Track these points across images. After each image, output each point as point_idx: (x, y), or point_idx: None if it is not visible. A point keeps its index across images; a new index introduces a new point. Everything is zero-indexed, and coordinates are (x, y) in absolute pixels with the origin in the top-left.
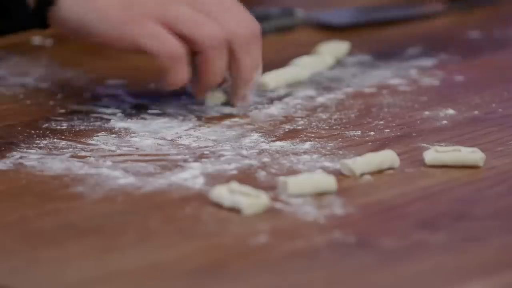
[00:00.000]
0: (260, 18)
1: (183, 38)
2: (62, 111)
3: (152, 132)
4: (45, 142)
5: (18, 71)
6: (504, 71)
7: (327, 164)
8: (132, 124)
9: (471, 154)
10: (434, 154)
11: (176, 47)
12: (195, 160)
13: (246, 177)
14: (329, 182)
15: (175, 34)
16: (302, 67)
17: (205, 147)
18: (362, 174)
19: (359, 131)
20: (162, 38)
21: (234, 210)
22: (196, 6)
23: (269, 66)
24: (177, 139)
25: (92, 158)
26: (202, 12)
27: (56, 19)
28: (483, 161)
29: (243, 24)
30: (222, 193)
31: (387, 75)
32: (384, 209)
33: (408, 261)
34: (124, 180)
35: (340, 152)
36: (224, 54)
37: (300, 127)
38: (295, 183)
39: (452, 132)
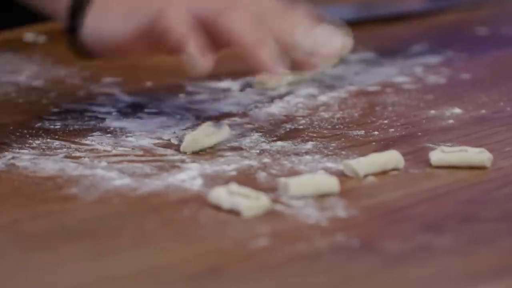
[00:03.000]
0: None
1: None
2: (56, 110)
3: (148, 132)
4: (38, 142)
5: (10, 69)
6: None
7: (330, 164)
8: (128, 123)
9: (478, 155)
10: (440, 154)
11: (186, 24)
12: (193, 161)
13: (245, 178)
14: (332, 184)
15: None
16: None
17: (203, 147)
18: (366, 175)
19: (363, 131)
20: (180, 20)
21: (233, 212)
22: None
23: None
24: (174, 139)
25: (86, 159)
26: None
27: (82, 35)
28: (491, 161)
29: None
30: (221, 195)
31: (391, 72)
32: (388, 211)
33: (413, 264)
34: (120, 181)
35: (343, 152)
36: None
37: (301, 127)
38: (296, 185)
39: (458, 131)
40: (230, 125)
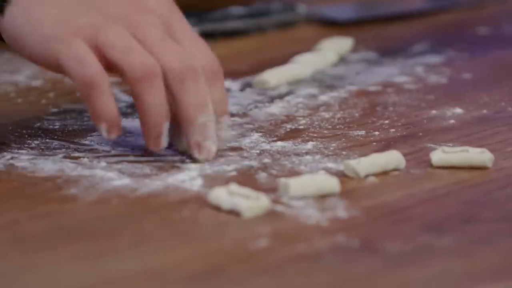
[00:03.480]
0: (261, 14)
1: (113, 65)
2: (55, 110)
3: None
4: (37, 142)
5: (9, 69)
6: None
7: (330, 165)
8: (127, 123)
9: (479, 155)
10: (441, 154)
11: (96, 74)
12: (193, 161)
13: (246, 178)
14: (332, 184)
15: (105, 60)
16: (304, 64)
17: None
18: (367, 176)
19: (363, 131)
20: (83, 61)
21: (233, 213)
22: (137, 30)
23: (269, 63)
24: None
25: (86, 159)
26: (139, 38)
27: (2, 29)
28: (492, 162)
29: (184, 57)
30: (221, 195)
31: (392, 72)
32: (389, 211)
33: (414, 265)
34: (119, 181)
35: (344, 152)
36: (157, 89)
37: (302, 127)
38: (296, 185)
39: (459, 132)
40: (230, 125)
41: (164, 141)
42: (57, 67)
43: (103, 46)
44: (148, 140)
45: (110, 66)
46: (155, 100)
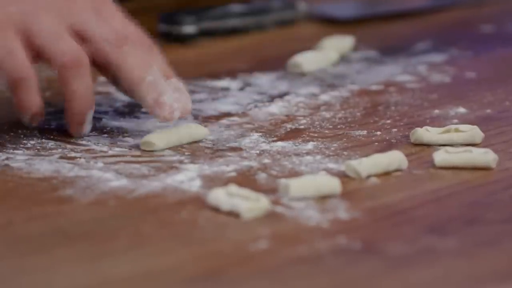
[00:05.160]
0: (261, 11)
1: (41, 52)
2: (51, 109)
3: (146, 132)
4: (32, 142)
5: None
6: None
7: (331, 165)
8: (124, 123)
9: (483, 155)
10: (444, 155)
11: (23, 66)
12: (192, 162)
13: (245, 179)
14: (333, 185)
15: (34, 47)
16: (331, 49)
17: (202, 147)
18: (368, 176)
19: (365, 131)
20: (12, 53)
21: (233, 214)
22: (69, 16)
23: (269, 62)
24: None
25: (82, 159)
26: (72, 23)
27: None
28: (496, 162)
29: (118, 30)
30: (220, 197)
31: (394, 71)
32: (391, 213)
33: (417, 267)
34: (117, 182)
35: (345, 153)
36: (84, 77)
37: (302, 127)
38: (297, 186)
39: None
40: (229, 125)
41: (86, 128)
42: None
43: (32, 33)
44: (71, 126)
45: (39, 54)
46: (81, 88)
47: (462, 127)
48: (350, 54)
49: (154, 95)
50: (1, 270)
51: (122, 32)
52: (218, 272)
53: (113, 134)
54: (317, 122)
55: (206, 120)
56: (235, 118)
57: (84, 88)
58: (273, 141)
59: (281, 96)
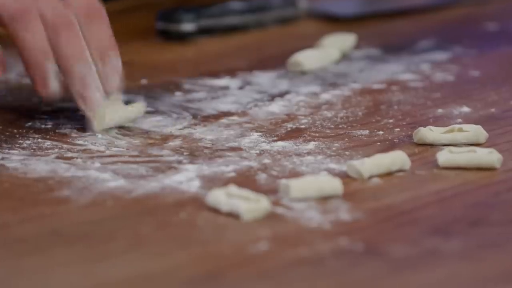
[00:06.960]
0: (261, 9)
1: None
2: (47, 108)
3: (143, 131)
4: (28, 142)
5: None
6: None
7: (333, 165)
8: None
9: (487, 155)
10: (447, 155)
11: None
12: (190, 162)
13: (245, 179)
14: (335, 185)
15: None
16: (332, 46)
17: (201, 147)
18: (370, 177)
19: (367, 131)
20: None
21: (232, 215)
22: None
23: (269, 60)
24: (170, 138)
25: (79, 160)
26: None
27: None
28: (500, 162)
29: (56, 4)
30: (220, 197)
31: (397, 70)
32: (394, 214)
33: (420, 269)
34: (114, 183)
35: (347, 153)
36: (34, 28)
37: (303, 126)
38: (298, 186)
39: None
40: (229, 125)
41: (53, 85)
42: None
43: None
44: (35, 83)
45: None
46: (33, 38)
47: (466, 126)
48: (352, 52)
49: (80, 88)
50: None
51: (61, 9)
52: (217, 274)
53: (111, 133)
54: (318, 122)
55: (205, 119)
56: (235, 118)
57: (36, 38)
58: (274, 140)
59: (282, 95)
